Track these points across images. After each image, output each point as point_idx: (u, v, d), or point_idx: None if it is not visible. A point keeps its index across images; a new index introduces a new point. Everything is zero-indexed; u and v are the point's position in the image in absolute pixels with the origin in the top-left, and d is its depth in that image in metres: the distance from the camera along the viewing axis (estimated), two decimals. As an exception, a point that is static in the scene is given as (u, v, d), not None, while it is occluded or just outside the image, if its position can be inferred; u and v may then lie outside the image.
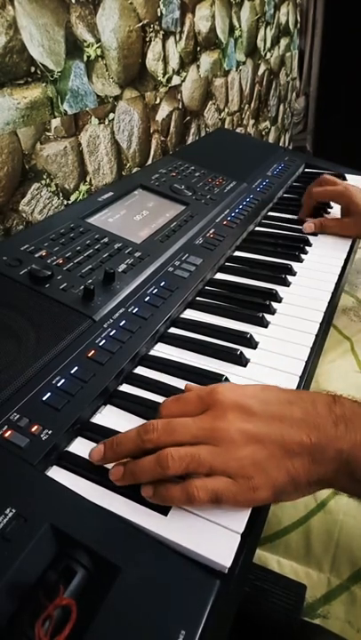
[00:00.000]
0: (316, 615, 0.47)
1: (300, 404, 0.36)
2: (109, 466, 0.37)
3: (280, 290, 0.64)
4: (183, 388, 0.46)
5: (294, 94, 2.07)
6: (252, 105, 1.62)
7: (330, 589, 0.48)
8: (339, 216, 0.84)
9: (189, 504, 0.34)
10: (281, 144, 2.04)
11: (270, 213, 0.88)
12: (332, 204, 0.90)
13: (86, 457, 0.39)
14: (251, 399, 0.37)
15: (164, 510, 0.36)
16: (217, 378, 0.48)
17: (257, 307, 0.60)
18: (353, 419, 0.35)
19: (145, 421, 0.41)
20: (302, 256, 0.74)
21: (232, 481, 0.34)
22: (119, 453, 0.37)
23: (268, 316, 0.59)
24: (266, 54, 1.63)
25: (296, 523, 0.51)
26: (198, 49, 1.17)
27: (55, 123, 0.76)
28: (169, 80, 1.07)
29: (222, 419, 0.35)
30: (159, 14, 0.97)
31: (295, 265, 0.70)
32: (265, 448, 0.34)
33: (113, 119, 0.90)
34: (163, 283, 0.59)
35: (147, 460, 0.35)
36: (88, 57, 0.80)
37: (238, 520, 0.36)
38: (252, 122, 1.65)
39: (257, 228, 0.82)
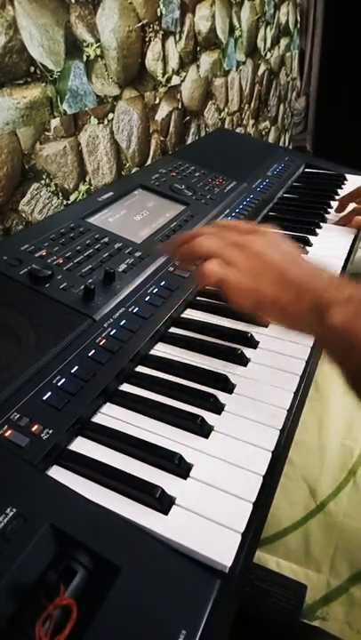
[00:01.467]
0: (315, 617, 0.47)
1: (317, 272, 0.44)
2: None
3: (280, 289, 0.64)
4: (183, 387, 0.46)
5: (294, 94, 2.08)
6: (252, 105, 1.62)
7: (329, 591, 0.48)
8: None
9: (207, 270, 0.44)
10: (281, 144, 2.04)
11: (270, 213, 0.88)
12: (333, 203, 0.91)
13: (87, 456, 0.39)
14: (282, 244, 0.47)
15: (164, 510, 0.36)
16: (217, 377, 0.48)
17: (257, 306, 0.60)
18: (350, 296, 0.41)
19: (145, 420, 0.42)
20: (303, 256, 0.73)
21: (239, 273, 0.44)
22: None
23: (268, 316, 0.59)
24: (266, 54, 1.63)
25: (295, 524, 0.51)
26: (198, 49, 1.17)
27: (55, 123, 0.76)
28: (168, 80, 1.07)
29: (255, 240, 0.46)
30: (159, 14, 0.97)
31: (295, 264, 0.70)
32: (270, 269, 0.44)
33: (112, 119, 0.90)
34: (163, 282, 0.59)
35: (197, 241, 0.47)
36: (88, 57, 0.80)
37: (239, 519, 0.36)
38: (252, 122, 1.65)
39: (257, 228, 0.82)
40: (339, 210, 0.88)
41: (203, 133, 1.28)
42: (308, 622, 0.46)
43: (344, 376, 0.41)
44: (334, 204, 0.92)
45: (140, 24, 0.92)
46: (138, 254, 0.63)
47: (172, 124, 1.12)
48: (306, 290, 0.42)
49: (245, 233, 0.47)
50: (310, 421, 0.58)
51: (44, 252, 0.59)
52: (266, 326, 0.57)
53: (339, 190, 0.98)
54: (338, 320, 0.39)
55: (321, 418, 0.58)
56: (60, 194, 0.81)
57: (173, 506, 0.36)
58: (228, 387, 0.48)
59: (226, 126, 1.43)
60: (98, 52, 0.82)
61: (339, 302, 0.40)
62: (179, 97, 1.13)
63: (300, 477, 0.53)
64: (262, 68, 1.63)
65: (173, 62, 1.07)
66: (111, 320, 0.52)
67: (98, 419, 0.44)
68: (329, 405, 0.60)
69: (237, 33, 1.37)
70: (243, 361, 0.52)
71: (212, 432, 0.43)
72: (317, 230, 0.82)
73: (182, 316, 0.59)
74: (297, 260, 0.45)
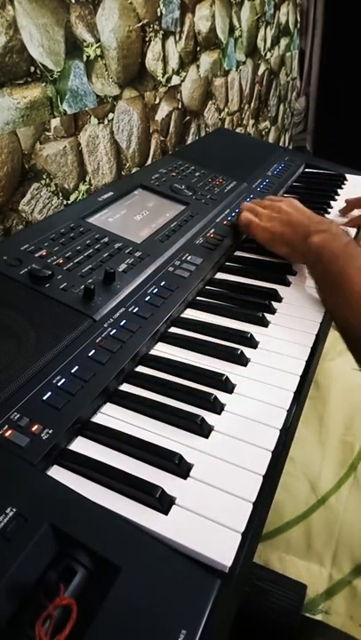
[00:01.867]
0: (317, 611, 0.47)
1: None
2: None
3: (280, 289, 0.64)
4: (183, 387, 0.46)
5: (294, 94, 2.07)
6: (252, 105, 1.62)
7: (331, 584, 0.48)
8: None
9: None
10: (281, 144, 2.04)
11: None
12: (333, 203, 0.91)
13: (87, 456, 0.39)
14: (296, 204, 0.71)
15: (164, 510, 0.36)
16: (217, 377, 0.48)
17: (257, 306, 0.60)
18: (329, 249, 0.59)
19: (145, 420, 0.42)
20: (302, 256, 0.74)
21: (261, 220, 0.70)
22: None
23: (268, 316, 0.59)
24: (266, 54, 1.63)
25: (297, 518, 0.51)
26: (198, 49, 1.17)
27: (55, 122, 0.76)
28: (168, 80, 1.07)
29: (279, 202, 0.71)
30: (159, 14, 0.97)
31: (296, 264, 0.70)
32: (281, 217, 0.68)
33: (112, 119, 0.90)
34: (163, 282, 0.59)
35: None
36: (88, 57, 0.80)
37: (239, 519, 0.36)
38: (252, 122, 1.65)
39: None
40: (346, 211, 0.88)
41: (203, 133, 1.28)
42: (310, 616, 0.47)
43: (329, 309, 0.58)
44: (334, 203, 0.92)
45: (140, 24, 0.92)
46: (138, 254, 0.63)
47: (172, 123, 1.12)
48: (301, 226, 0.64)
49: (276, 200, 0.73)
50: (311, 418, 0.58)
51: (44, 252, 0.59)
52: (266, 326, 0.58)
53: (339, 190, 0.98)
54: (316, 241, 0.60)
55: (321, 415, 0.59)
56: (60, 194, 0.81)
57: (173, 506, 0.36)
58: (228, 387, 0.48)
59: (226, 126, 1.43)
60: (98, 51, 0.82)
61: (318, 231, 0.61)
62: (179, 97, 1.13)
63: (301, 473, 0.53)
64: (262, 67, 1.63)
65: (173, 62, 1.07)
66: (111, 320, 0.52)
67: (98, 419, 0.44)
68: (329, 402, 0.60)
69: (237, 33, 1.37)
70: (243, 361, 0.52)
71: (212, 432, 0.43)
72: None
73: (182, 315, 0.59)
74: (301, 211, 0.68)
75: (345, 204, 0.89)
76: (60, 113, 0.77)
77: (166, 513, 0.36)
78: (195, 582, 0.31)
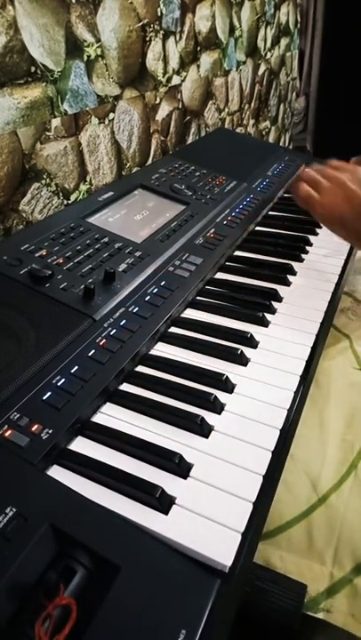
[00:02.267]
0: (319, 610, 0.47)
1: None
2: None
3: (281, 289, 0.64)
4: (183, 387, 0.46)
5: (294, 94, 2.07)
6: (253, 105, 1.61)
7: (333, 583, 0.48)
8: None
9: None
10: (281, 144, 2.04)
11: (271, 213, 0.88)
12: None
13: (87, 456, 0.39)
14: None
15: (164, 510, 0.36)
16: (217, 377, 0.48)
17: (257, 306, 0.60)
18: None
19: (146, 420, 0.42)
20: (303, 256, 0.74)
21: (321, 196, 0.65)
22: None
23: (268, 316, 0.59)
24: (266, 54, 1.63)
25: (298, 517, 0.51)
26: (198, 49, 1.17)
27: (55, 122, 0.76)
28: (169, 80, 1.07)
29: (343, 174, 0.65)
30: (159, 14, 0.97)
31: (296, 264, 0.70)
32: (344, 195, 0.63)
33: (113, 119, 0.90)
34: (163, 282, 0.59)
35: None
36: (88, 57, 0.80)
37: (239, 519, 0.36)
38: (252, 122, 1.65)
39: (257, 228, 0.82)
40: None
41: (203, 133, 1.28)
42: (312, 614, 0.46)
43: None
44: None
45: (140, 24, 0.92)
46: (138, 254, 0.63)
47: (172, 123, 1.12)
48: None
49: (342, 170, 0.67)
50: (311, 417, 0.58)
51: (44, 252, 0.59)
52: (266, 326, 0.58)
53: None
54: None
55: (322, 413, 0.59)
56: (61, 194, 0.81)
57: (173, 506, 0.36)
58: (228, 387, 0.48)
59: (226, 126, 1.43)
60: (98, 51, 0.82)
61: None
62: (179, 97, 1.13)
63: (302, 472, 0.53)
64: (262, 67, 1.63)
65: (174, 62, 1.07)
66: (111, 320, 0.52)
67: (98, 418, 0.44)
68: (329, 401, 0.60)
69: (237, 33, 1.37)
70: (243, 361, 0.52)
71: (212, 432, 0.43)
72: (317, 230, 0.82)
73: (182, 315, 0.59)
74: None
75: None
76: (61, 113, 0.77)
77: (166, 513, 0.36)
78: (195, 582, 0.31)
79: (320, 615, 0.46)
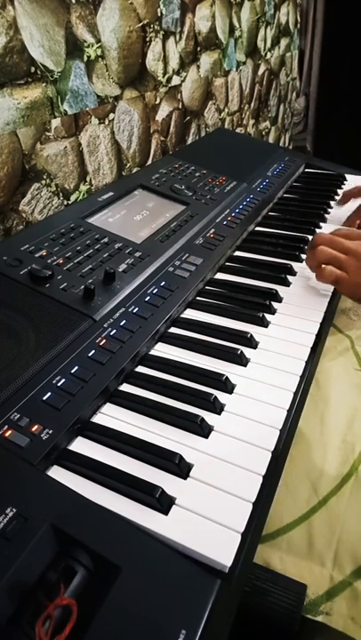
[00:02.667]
0: (318, 612, 0.47)
1: None
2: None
3: (280, 290, 0.64)
4: (183, 387, 0.46)
5: (294, 94, 2.07)
6: (252, 105, 1.62)
7: (332, 586, 0.48)
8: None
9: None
10: (281, 144, 2.04)
11: (271, 213, 0.88)
12: (332, 203, 0.92)
13: (87, 456, 0.39)
14: None
15: (164, 510, 0.36)
16: (217, 377, 0.48)
17: (257, 306, 0.60)
18: None
19: (146, 420, 0.42)
20: (303, 256, 0.73)
21: (349, 273, 0.63)
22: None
23: (268, 316, 0.59)
24: (266, 54, 1.63)
25: (298, 520, 0.51)
26: (198, 49, 1.17)
27: (55, 123, 0.76)
28: (169, 80, 1.07)
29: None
30: (159, 14, 0.97)
31: (295, 265, 0.70)
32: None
33: (113, 119, 0.90)
34: (163, 282, 0.59)
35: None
36: (88, 57, 0.80)
37: (239, 519, 0.36)
38: (252, 122, 1.65)
39: (257, 228, 0.82)
40: (343, 202, 0.91)
41: (203, 133, 1.28)
42: (311, 617, 0.46)
43: None
44: (334, 204, 0.92)
45: (140, 24, 0.92)
46: (138, 254, 0.63)
47: (172, 124, 1.12)
48: None
49: (356, 239, 0.65)
50: (312, 418, 0.58)
51: (44, 252, 0.59)
52: (266, 326, 0.58)
53: (339, 190, 0.98)
54: None
55: (322, 414, 0.58)
56: (61, 194, 0.81)
57: (173, 506, 0.36)
58: (228, 387, 0.48)
59: (226, 126, 1.43)
60: (98, 52, 0.82)
61: None
62: (179, 97, 1.13)
63: (302, 473, 0.53)
64: (262, 68, 1.63)
65: (174, 62, 1.07)
66: (111, 320, 0.52)
67: (98, 419, 0.44)
68: (330, 402, 0.60)
69: (237, 33, 1.37)
70: (243, 361, 0.52)
71: (212, 432, 0.43)
72: (317, 230, 0.82)
73: (182, 315, 0.59)
74: None
75: (341, 196, 0.91)
76: (61, 113, 0.77)
77: (166, 513, 0.36)
78: (195, 582, 0.31)
79: (320, 618, 0.46)
